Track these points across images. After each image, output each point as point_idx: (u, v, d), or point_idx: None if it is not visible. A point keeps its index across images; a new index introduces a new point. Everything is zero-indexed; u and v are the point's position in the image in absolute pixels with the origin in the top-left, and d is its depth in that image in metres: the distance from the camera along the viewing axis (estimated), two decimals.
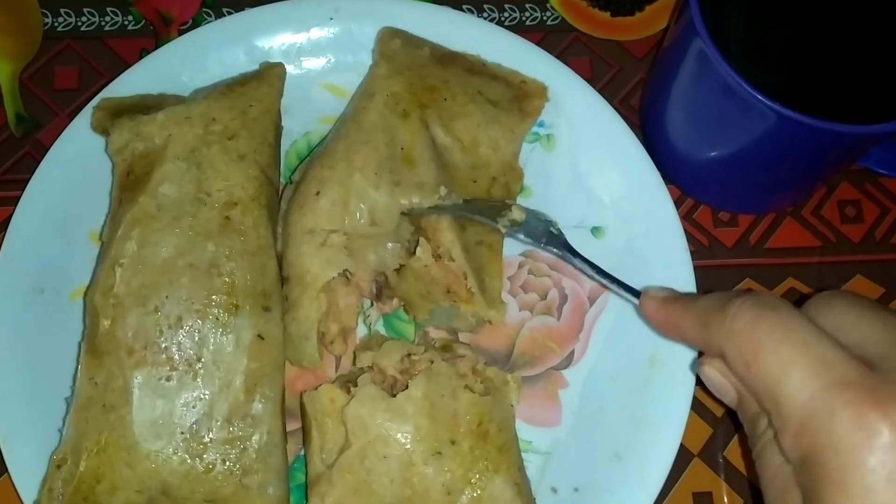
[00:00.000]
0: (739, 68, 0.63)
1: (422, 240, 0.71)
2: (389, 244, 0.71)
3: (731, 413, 0.74)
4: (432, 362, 0.67)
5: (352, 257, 0.70)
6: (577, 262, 0.68)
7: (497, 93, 0.77)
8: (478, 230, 0.73)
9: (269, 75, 0.74)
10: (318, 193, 0.70)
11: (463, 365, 0.68)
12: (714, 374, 0.54)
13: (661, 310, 0.59)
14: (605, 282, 0.66)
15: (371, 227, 0.70)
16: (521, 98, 0.78)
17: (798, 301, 0.54)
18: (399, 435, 0.63)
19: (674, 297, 0.59)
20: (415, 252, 0.70)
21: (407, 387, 0.64)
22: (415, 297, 0.72)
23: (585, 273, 0.68)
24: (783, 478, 0.50)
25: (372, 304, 0.74)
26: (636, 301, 0.62)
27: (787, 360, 0.46)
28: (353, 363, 0.71)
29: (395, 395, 0.64)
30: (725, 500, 0.73)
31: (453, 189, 0.72)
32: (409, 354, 0.68)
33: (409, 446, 0.63)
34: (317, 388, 0.66)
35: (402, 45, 0.77)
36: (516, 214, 0.70)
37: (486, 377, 0.68)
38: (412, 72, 0.75)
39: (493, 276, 0.72)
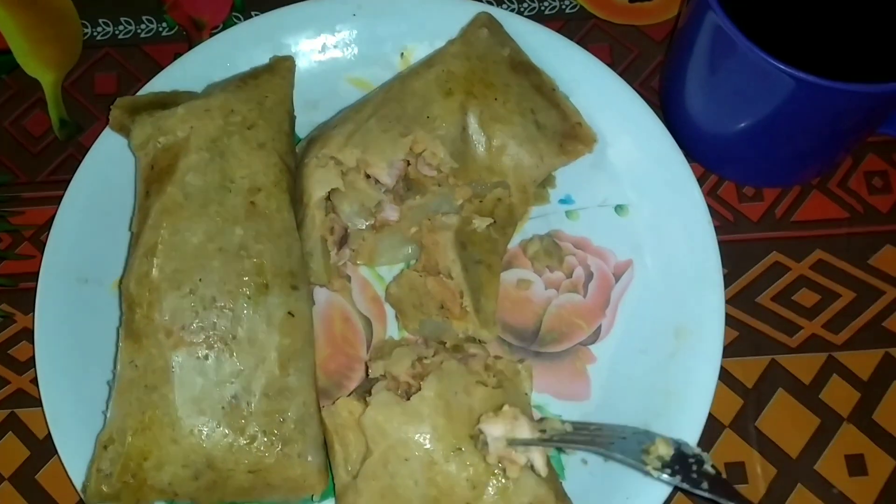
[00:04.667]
0: (753, 37, 0.64)
1: (421, 254, 0.73)
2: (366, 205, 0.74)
3: (760, 385, 0.75)
4: (443, 363, 0.67)
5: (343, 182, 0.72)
6: None
7: (549, 120, 0.78)
8: (480, 248, 0.73)
9: (281, 68, 0.77)
10: (335, 127, 0.74)
11: (475, 363, 0.68)
12: None
13: None
14: None
15: (358, 164, 0.72)
16: (569, 136, 0.79)
17: None
18: (418, 436, 0.63)
19: None
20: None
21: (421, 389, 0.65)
22: (407, 306, 0.74)
23: None
24: None
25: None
26: None
27: None
28: (367, 374, 0.72)
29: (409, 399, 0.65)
30: (759, 469, 0.73)
31: (459, 174, 0.73)
32: (420, 359, 0.69)
33: (428, 446, 0.63)
34: (334, 403, 0.67)
35: (487, 37, 0.79)
36: (662, 449, 0.59)
37: (498, 370, 0.68)
38: (481, 62, 0.77)
39: (489, 296, 0.73)
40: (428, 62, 0.79)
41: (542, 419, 0.64)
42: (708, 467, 0.58)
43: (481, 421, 0.63)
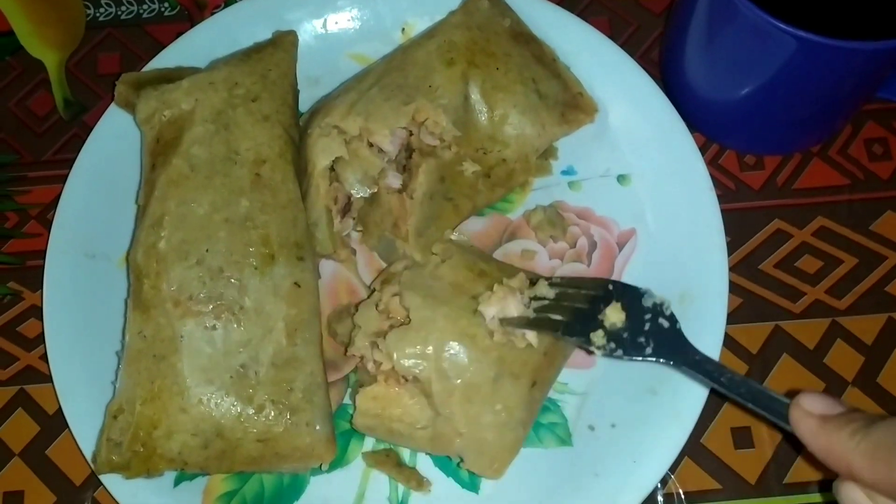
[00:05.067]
0: None
1: (394, 172, 0.74)
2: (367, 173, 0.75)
3: (765, 351, 0.75)
4: (401, 281, 0.69)
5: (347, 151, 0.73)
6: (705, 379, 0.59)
7: (551, 89, 0.78)
8: (458, 189, 0.75)
9: (284, 42, 0.78)
10: (338, 97, 0.74)
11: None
12: (860, 496, 0.49)
13: (822, 435, 0.50)
14: (742, 401, 0.56)
15: (361, 132, 0.73)
16: (570, 106, 0.79)
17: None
18: (442, 335, 0.65)
19: (835, 418, 0.50)
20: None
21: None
22: (370, 222, 0.75)
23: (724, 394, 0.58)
24: None
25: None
26: (782, 422, 0.53)
27: None
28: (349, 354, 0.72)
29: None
30: (764, 434, 0.73)
31: (461, 143, 0.74)
32: (376, 306, 0.70)
33: (459, 330, 0.65)
34: (357, 414, 0.67)
35: (488, 7, 0.79)
36: (613, 317, 0.62)
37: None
38: (482, 32, 0.78)
39: (441, 227, 0.74)
40: (429, 33, 0.79)
41: (533, 282, 0.67)
42: (663, 321, 0.60)
43: (480, 303, 0.66)
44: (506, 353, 0.66)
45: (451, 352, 0.65)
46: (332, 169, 0.73)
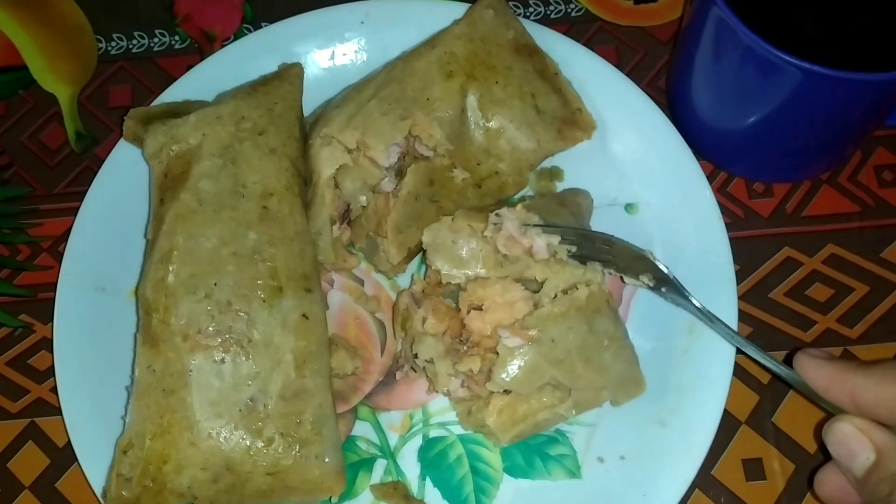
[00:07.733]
0: (758, 30, 0.65)
1: (390, 178, 0.75)
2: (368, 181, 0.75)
3: (777, 380, 0.75)
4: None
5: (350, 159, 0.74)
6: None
7: (549, 105, 0.79)
8: (446, 193, 0.75)
9: (290, 74, 0.78)
10: (337, 107, 0.76)
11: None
12: (852, 430, 0.55)
13: (826, 367, 0.58)
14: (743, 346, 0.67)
15: (358, 146, 0.73)
16: (568, 122, 0.80)
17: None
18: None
19: (838, 358, 0.59)
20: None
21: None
22: (357, 224, 0.76)
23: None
24: None
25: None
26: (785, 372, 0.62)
27: None
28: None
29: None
30: (776, 466, 0.72)
31: (455, 156, 0.75)
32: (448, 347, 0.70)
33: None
34: (498, 436, 0.68)
35: (492, 18, 0.80)
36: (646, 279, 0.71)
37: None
38: (484, 44, 0.78)
39: (423, 228, 0.73)
40: (431, 42, 0.79)
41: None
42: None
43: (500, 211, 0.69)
44: (579, 301, 0.67)
45: (553, 339, 0.66)
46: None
